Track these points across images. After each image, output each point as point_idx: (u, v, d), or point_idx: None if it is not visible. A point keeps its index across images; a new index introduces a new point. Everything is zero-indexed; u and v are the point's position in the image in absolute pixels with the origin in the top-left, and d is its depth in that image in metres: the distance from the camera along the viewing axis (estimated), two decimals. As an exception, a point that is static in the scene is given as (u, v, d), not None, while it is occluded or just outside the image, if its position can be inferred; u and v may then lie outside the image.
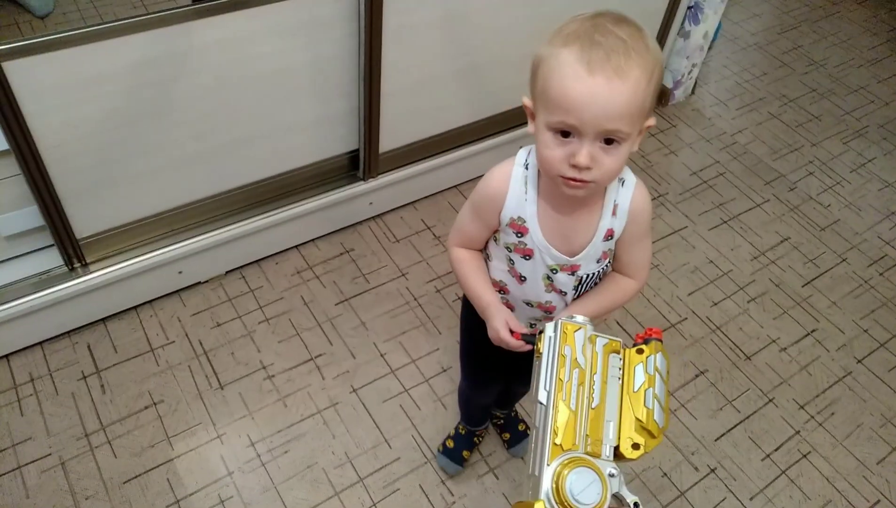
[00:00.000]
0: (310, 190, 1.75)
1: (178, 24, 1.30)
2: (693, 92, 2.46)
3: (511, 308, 1.03)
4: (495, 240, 0.97)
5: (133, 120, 1.38)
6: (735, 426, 1.59)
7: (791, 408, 1.63)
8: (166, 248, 1.59)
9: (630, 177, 0.92)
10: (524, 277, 0.97)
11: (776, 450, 1.56)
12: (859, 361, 1.74)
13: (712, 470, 1.51)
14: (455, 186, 2.00)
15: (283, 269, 1.77)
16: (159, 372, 1.54)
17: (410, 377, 1.59)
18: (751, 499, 1.47)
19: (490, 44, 1.75)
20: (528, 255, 0.95)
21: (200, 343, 1.60)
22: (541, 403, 0.55)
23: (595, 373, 0.56)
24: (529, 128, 0.87)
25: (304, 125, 1.62)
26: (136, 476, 1.38)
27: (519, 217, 0.92)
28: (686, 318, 1.79)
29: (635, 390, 0.55)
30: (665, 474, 1.49)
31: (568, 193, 0.84)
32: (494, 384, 1.30)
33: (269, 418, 1.50)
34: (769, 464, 1.53)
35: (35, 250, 1.51)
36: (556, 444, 0.52)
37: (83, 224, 1.47)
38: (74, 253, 1.49)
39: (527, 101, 0.87)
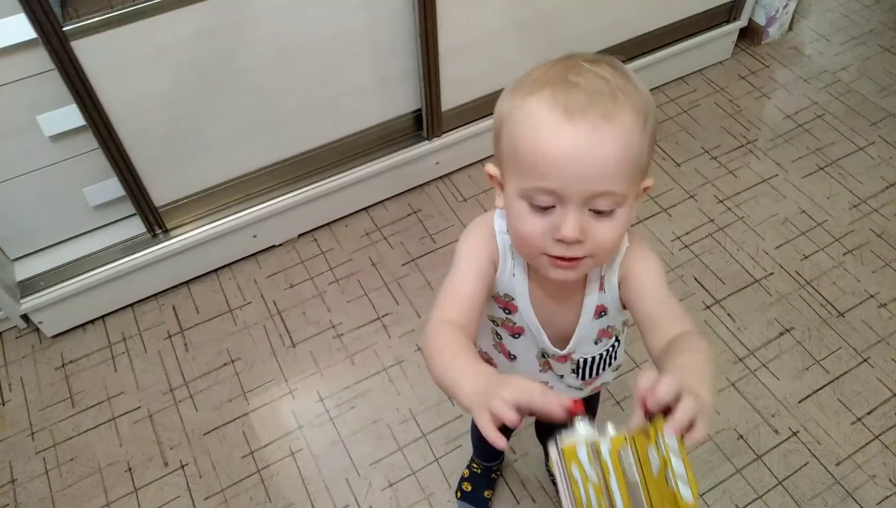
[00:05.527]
0: (376, 152, 1.76)
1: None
2: (790, 28, 2.26)
3: None
4: None
5: (199, 91, 1.43)
6: (822, 387, 1.48)
7: (889, 368, 1.50)
8: (240, 213, 1.65)
9: (622, 243, 0.74)
10: (514, 355, 0.84)
11: (869, 413, 1.44)
12: (975, 317, 1.57)
13: (794, 433, 1.42)
14: (525, 142, 1.96)
15: (352, 231, 1.80)
16: (237, 331, 1.62)
17: (475, 336, 1.59)
18: (837, 465, 1.37)
19: (553, -10, 1.68)
20: (517, 333, 0.81)
21: (275, 304, 1.67)
22: None
23: (610, 480, 0.54)
24: (498, 202, 0.72)
25: (366, 87, 1.63)
26: (214, 429, 1.47)
27: (506, 294, 0.77)
28: (772, 273, 1.67)
29: (655, 476, 0.53)
30: (741, 436, 1.41)
31: (556, 276, 0.68)
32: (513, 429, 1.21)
33: (337, 375, 1.54)
34: (860, 428, 1.42)
35: (121, 219, 1.62)
36: None
37: (161, 193, 1.55)
38: (155, 220, 1.58)
39: (491, 169, 0.71)
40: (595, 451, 0.54)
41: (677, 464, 0.52)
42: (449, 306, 0.72)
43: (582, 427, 0.55)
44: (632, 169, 0.63)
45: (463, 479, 1.35)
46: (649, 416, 0.54)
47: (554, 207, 0.64)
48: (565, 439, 0.55)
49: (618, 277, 0.76)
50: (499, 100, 0.70)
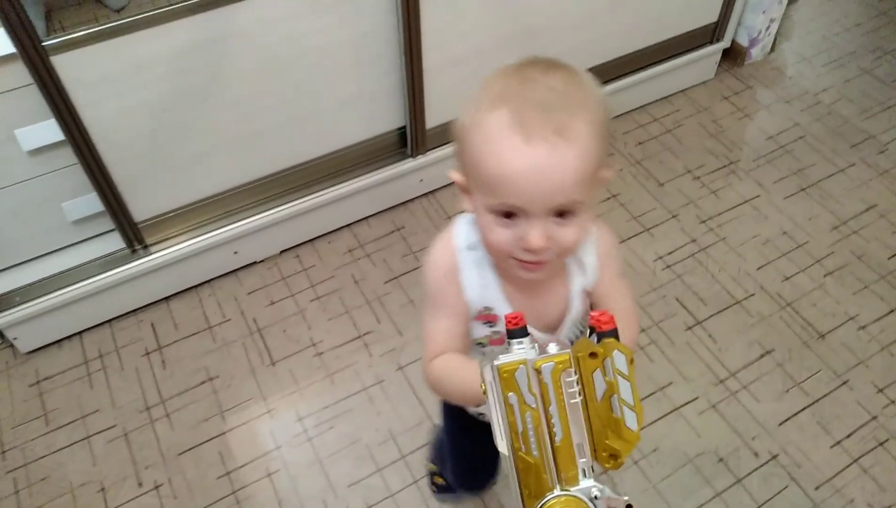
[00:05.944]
0: (360, 169, 1.75)
1: (218, 7, 1.32)
2: (773, 50, 2.28)
3: None
4: None
5: (181, 106, 1.42)
6: (802, 409, 1.48)
7: (868, 391, 1.50)
8: (221, 229, 1.64)
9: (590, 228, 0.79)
10: None
11: (848, 437, 1.44)
12: (953, 340, 1.58)
13: (774, 457, 1.42)
14: (509, 160, 1.96)
15: (335, 248, 1.79)
16: (216, 349, 1.60)
17: (457, 355, 1.58)
18: (816, 489, 1.37)
19: (538, 7, 1.69)
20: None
21: (255, 321, 1.65)
22: (503, 453, 0.51)
23: (550, 405, 0.50)
24: (466, 205, 0.74)
25: (350, 103, 1.62)
26: (190, 449, 1.45)
27: (485, 307, 0.79)
28: (753, 294, 1.68)
29: (599, 400, 0.50)
30: (721, 459, 1.41)
31: (525, 277, 0.72)
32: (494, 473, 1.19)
33: (317, 394, 1.53)
34: (839, 452, 1.42)
35: (100, 234, 1.60)
36: (528, 497, 0.51)
37: (140, 208, 1.54)
38: (134, 236, 1.57)
39: (456, 176, 0.73)
40: (535, 372, 0.50)
41: (625, 390, 0.50)
42: (434, 351, 0.78)
43: (521, 345, 0.51)
44: (590, 174, 0.67)
45: (434, 472, 1.35)
46: (599, 338, 0.51)
47: (518, 215, 0.67)
48: (503, 358, 0.51)
49: (597, 261, 0.80)
50: (460, 109, 0.71)
